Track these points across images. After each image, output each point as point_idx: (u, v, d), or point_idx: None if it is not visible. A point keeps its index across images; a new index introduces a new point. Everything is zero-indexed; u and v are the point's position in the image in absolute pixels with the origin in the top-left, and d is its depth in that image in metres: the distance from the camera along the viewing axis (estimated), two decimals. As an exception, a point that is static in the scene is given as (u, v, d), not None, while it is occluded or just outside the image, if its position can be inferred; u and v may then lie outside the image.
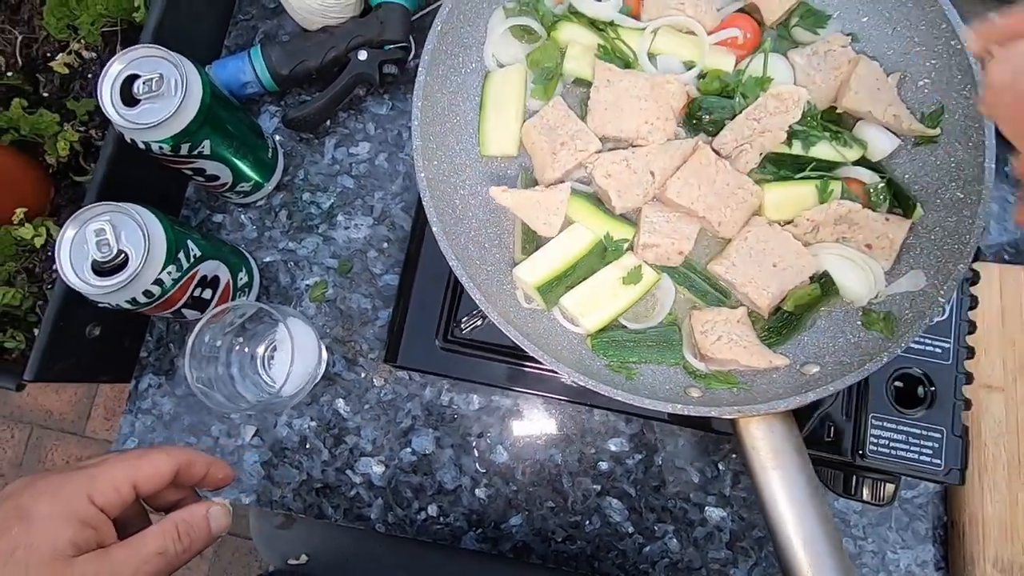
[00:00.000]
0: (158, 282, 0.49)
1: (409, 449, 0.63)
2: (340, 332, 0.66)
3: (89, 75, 0.70)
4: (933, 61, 0.44)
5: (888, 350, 0.38)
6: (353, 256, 0.67)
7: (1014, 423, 0.59)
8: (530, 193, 0.44)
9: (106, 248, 0.48)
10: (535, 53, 0.48)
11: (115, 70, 0.50)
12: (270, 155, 0.65)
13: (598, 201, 0.46)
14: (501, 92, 0.47)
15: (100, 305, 0.50)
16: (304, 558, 0.64)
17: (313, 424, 0.64)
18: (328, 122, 0.70)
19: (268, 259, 0.67)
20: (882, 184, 0.44)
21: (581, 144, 0.45)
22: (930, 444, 0.49)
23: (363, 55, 0.66)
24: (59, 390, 1.71)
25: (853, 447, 0.49)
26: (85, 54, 0.69)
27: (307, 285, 0.67)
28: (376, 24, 0.66)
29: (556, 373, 0.51)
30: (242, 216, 0.68)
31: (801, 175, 0.45)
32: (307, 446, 0.64)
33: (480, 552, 0.61)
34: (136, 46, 0.51)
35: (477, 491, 0.62)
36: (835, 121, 0.46)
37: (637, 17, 0.47)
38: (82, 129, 0.67)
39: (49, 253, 0.65)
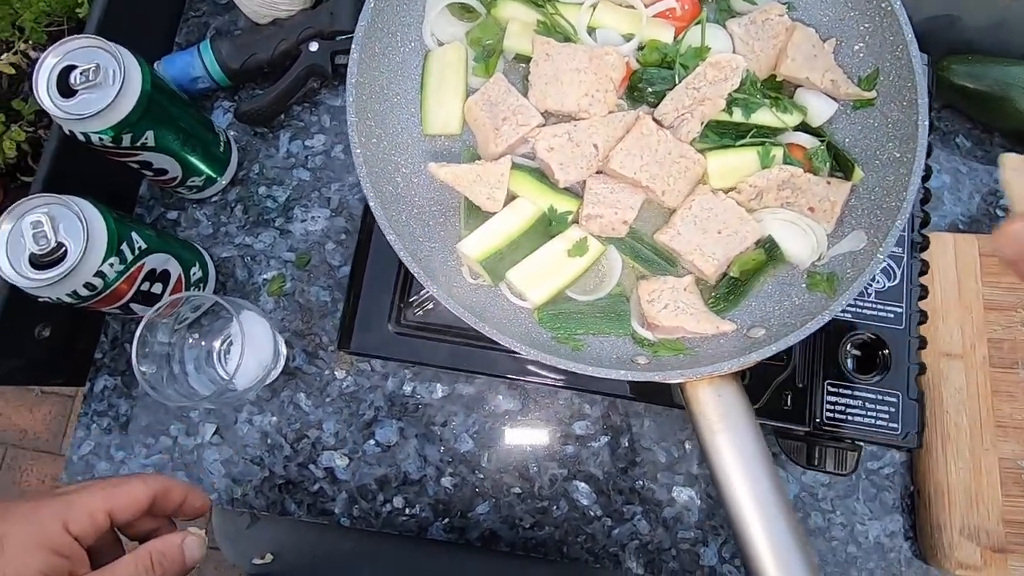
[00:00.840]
0: (100, 274, 0.48)
1: (373, 441, 0.62)
2: (299, 325, 0.65)
3: (38, 76, 0.69)
4: (866, 25, 0.44)
5: (830, 308, 0.38)
6: (311, 249, 0.66)
7: (974, 390, 0.59)
8: (470, 167, 0.43)
9: (44, 240, 0.46)
10: (475, 31, 0.48)
11: (50, 62, 0.49)
12: (222, 149, 0.64)
13: (542, 175, 0.45)
14: (441, 70, 0.47)
15: (41, 300, 0.48)
16: (269, 557, 0.63)
17: (274, 420, 0.63)
18: (282, 116, 0.69)
19: (224, 254, 0.66)
20: (822, 148, 0.44)
21: (523, 119, 0.44)
22: (886, 409, 0.49)
23: (314, 47, 0.66)
24: (33, 408, 1.68)
25: (810, 415, 0.49)
26: (32, 54, 0.68)
27: (264, 279, 0.66)
28: (327, 15, 0.66)
29: (508, 352, 0.51)
30: (197, 212, 0.68)
31: (743, 142, 0.45)
32: (268, 442, 0.62)
33: (447, 542, 0.60)
34: (71, 37, 0.50)
35: (442, 480, 0.61)
36: (775, 89, 0.47)
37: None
38: (30, 130, 0.66)
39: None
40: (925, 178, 0.54)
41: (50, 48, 0.49)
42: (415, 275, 0.38)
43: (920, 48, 0.43)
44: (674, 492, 0.61)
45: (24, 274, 0.47)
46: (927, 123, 0.39)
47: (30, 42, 0.68)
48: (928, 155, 0.52)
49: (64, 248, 0.47)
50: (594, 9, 0.47)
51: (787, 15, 0.46)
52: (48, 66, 0.49)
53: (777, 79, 0.47)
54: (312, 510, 0.61)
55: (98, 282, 0.49)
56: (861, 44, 0.44)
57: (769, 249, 0.43)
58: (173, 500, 0.39)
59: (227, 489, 0.61)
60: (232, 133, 0.69)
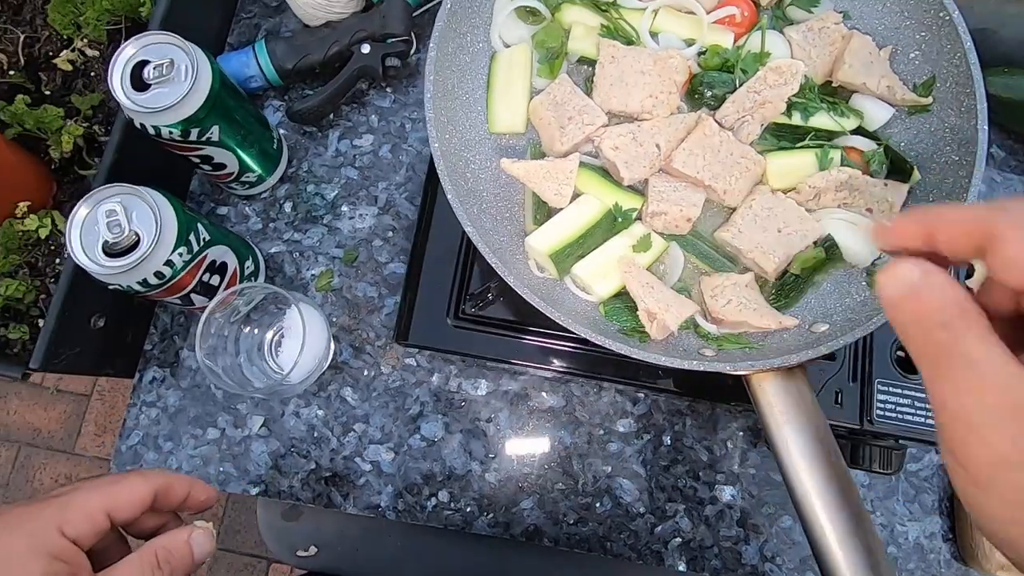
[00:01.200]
0: (169, 263, 0.50)
1: (418, 435, 0.63)
2: (347, 321, 0.66)
3: (92, 73, 0.71)
4: (923, 34, 0.46)
5: None
6: (358, 245, 0.68)
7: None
8: (540, 163, 0.45)
9: (117, 229, 0.48)
10: (540, 34, 0.49)
11: (127, 54, 0.51)
12: (275, 146, 0.66)
13: (606, 173, 0.47)
14: (508, 71, 0.48)
15: (111, 287, 0.49)
16: (313, 550, 0.64)
17: (321, 413, 0.64)
18: (331, 115, 0.71)
19: (273, 250, 0.68)
20: (880, 151, 0.46)
21: (588, 119, 0.46)
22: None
23: (366, 49, 0.68)
24: (48, 407, 1.68)
25: (861, 413, 0.50)
26: (88, 51, 0.70)
27: (312, 275, 0.67)
28: (378, 18, 0.68)
29: (565, 346, 0.52)
30: (246, 208, 0.69)
31: (801, 144, 0.46)
32: (315, 435, 0.63)
33: (491, 537, 0.61)
34: (148, 32, 0.52)
35: (487, 476, 0.62)
36: (831, 94, 0.48)
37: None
38: (86, 124, 0.68)
39: (52, 247, 0.65)
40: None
41: (127, 41, 0.51)
42: (493, 265, 0.39)
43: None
44: (716, 490, 0.62)
45: (98, 261, 0.48)
46: (987, 127, 0.40)
47: (87, 39, 0.69)
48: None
49: (137, 237, 0.48)
50: (656, 14, 0.49)
51: (843, 23, 0.48)
52: (124, 58, 0.51)
53: (833, 84, 0.48)
54: (358, 503, 0.61)
55: (167, 271, 0.50)
56: (917, 52, 0.46)
57: (828, 248, 0.44)
58: (176, 495, 0.37)
59: (273, 481, 0.62)
60: (283, 131, 0.70)
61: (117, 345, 0.65)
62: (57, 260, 0.65)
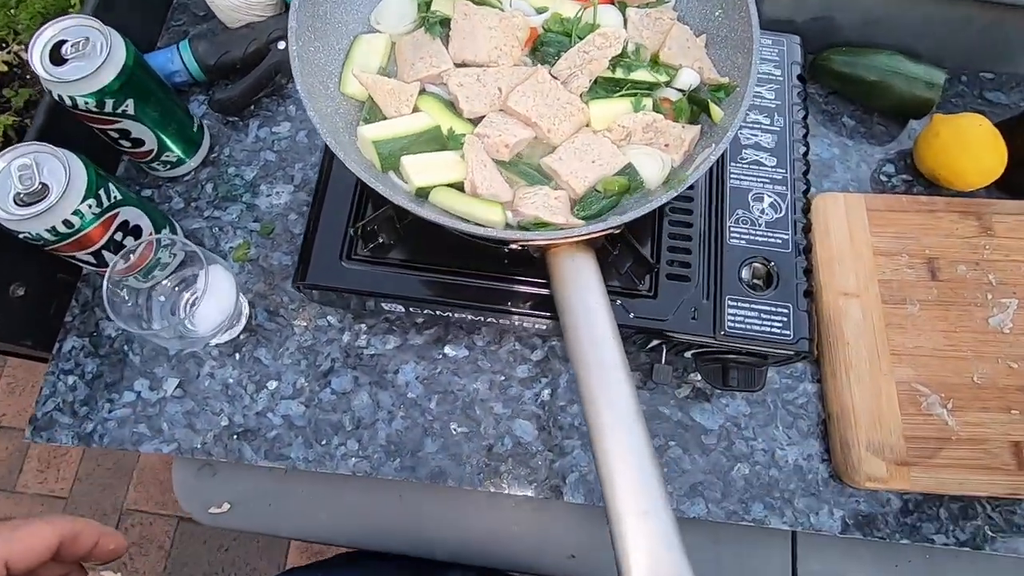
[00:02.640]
0: (77, 213, 0.54)
1: (329, 389, 0.66)
2: (262, 288, 0.70)
3: (28, 76, 0.77)
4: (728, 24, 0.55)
5: (662, 196, 0.46)
6: (275, 220, 0.73)
7: (871, 324, 0.67)
8: (389, 80, 0.52)
9: (29, 181, 0.52)
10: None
11: (47, 35, 0.57)
12: (196, 130, 0.72)
13: (450, 104, 0.53)
14: (367, 54, 0.56)
15: (21, 235, 0.53)
16: (226, 506, 0.65)
17: (235, 373, 0.67)
18: (252, 107, 0.77)
19: (194, 226, 0.72)
20: (683, 100, 0.55)
21: (436, 60, 0.53)
22: (780, 319, 0.56)
23: (282, 45, 0.75)
24: (-12, 442, 1.63)
25: (715, 326, 0.56)
26: (23, 54, 0.76)
27: (230, 247, 0.71)
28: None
29: (445, 279, 0.57)
30: (170, 190, 0.74)
31: (619, 93, 0.54)
32: (229, 393, 0.66)
33: (399, 481, 0.64)
34: (66, 16, 0.58)
35: (394, 423, 0.65)
36: (655, 62, 0.57)
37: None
38: (17, 119, 0.73)
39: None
40: (805, 154, 0.63)
41: (47, 24, 0.57)
42: (325, 138, 0.45)
43: (803, 45, 0.57)
44: (610, 427, 0.66)
45: (7, 210, 0.52)
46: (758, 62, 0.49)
47: (23, 44, 0.76)
48: (807, 132, 0.62)
49: (46, 187, 0.53)
50: (516, -14, 0.57)
51: (675, 18, 0.57)
52: (44, 39, 0.57)
53: (659, 62, 0.57)
54: (269, 455, 0.64)
55: (76, 220, 0.54)
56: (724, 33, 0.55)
57: (629, 173, 0.51)
58: (83, 544, 0.35)
59: (187, 439, 0.64)
60: (206, 122, 0.76)
61: (39, 318, 0.67)
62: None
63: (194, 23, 0.82)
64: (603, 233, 0.46)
